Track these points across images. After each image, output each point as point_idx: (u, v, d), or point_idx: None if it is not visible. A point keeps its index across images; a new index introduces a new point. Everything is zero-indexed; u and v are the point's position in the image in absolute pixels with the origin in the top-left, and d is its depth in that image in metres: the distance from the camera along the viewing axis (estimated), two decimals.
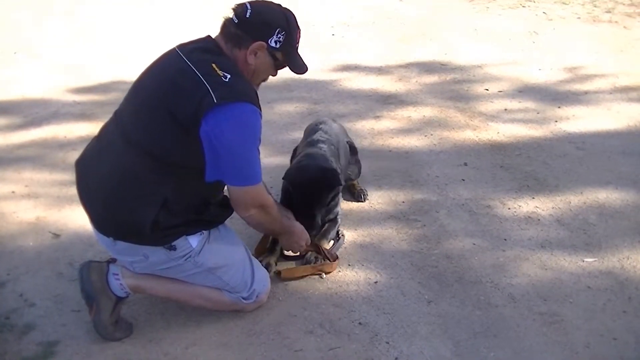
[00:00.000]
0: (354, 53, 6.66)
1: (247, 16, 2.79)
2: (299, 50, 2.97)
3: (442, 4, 8.19)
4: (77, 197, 3.02)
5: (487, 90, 5.77)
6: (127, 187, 2.81)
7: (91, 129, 4.71)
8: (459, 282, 3.41)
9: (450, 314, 3.20)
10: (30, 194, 4.21)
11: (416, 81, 5.96)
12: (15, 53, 6.77)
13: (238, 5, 2.83)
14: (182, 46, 2.89)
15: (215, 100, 2.64)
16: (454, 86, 5.85)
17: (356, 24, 7.53)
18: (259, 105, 2.80)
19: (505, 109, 5.40)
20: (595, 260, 3.55)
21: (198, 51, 2.83)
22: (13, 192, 4.23)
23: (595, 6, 7.87)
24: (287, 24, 2.85)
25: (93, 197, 2.94)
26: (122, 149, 2.84)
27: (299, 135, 4.66)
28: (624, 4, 7.93)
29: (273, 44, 2.83)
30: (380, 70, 6.22)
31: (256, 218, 2.98)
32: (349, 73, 6.18)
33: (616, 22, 7.41)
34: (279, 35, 2.82)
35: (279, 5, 2.91)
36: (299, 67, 2.97)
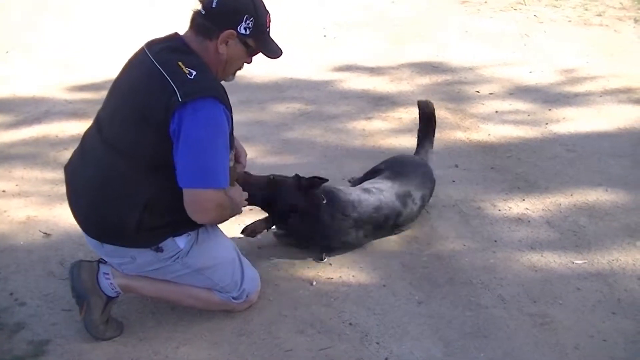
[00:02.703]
0: (345, 54, 6.66)
1: (214, 6, 2.76)
2: (271, 35, 2.95)
3: (434, 5, 8.20)
4: None
5: (479, 92, 5.78)
6: (109, 189, 2.81)
7: (83, 128, 4.66)
8: (449, 283, 3.42)
9: (441, 314, 3.21)
10: (21, 193, 4.20)
11: (408, 82, 5.96)
12: (7, 52, 6.75)
13: None
14: (150, 45, 2.88)
15: (180, 99, 2.63)
16: (446, 88, 5.86)
17: (348, 24, 7.53)
18: (225, 100, 2.78)
19: (496, 111, 5.41)
20: (585, 262, 3.57)
21: (165, 51, 2.82)
22: (4, 191, 4.22)
23: (586, 9, 7.90)
24: (255, 10, 2.82)
25: (79, 201, 2.96)
26: (103, 153, 2.85)
27: (290, 135, 4.69)
28: (614, 8, 7.96)
29: (243, 31, 2.80)
30: (372, 71, 6.23)
31: (216, 219, 2.95)
32: (340, 74, 6.18)
33: (607, 25, 7.44)
34: (248, 21, 2.79)
35: None
36: (273, 51, 2.95)
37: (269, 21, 2.91)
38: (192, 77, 2.69)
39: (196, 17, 2.82)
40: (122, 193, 2.80)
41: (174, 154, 2.70)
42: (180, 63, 2.72)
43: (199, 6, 2.81)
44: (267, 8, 2.90)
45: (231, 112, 2.82)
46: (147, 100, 2.72)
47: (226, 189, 2.83)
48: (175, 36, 2.90)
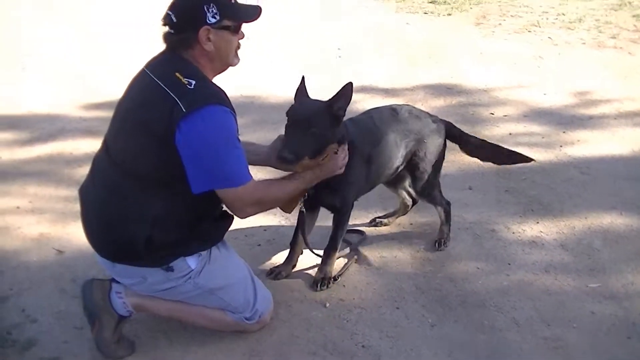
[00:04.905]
0: (360, 75, 6.65)
1: (175, 20, 2.79)
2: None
3: (448, 27, 8.21)
4: None
5: (493, 114, 5.77)
6: (116, 208, 2.84)
7: (97, 145, 4.69)
8: (462, 306, 3.40)
9: (454, 337, 3.19)
10: (35, 209, 4.22)
11: (422, 104, 5.95)
12: (23, 69, 6.80)
13: (163, 18, 2.83)
14: (148, 64, 2.92)
15: (184, 109, 2.65)
16: (460, 109, 5.86)
17: (363, 46, 7.54)
18: (228, 103, 2.81)
19: (510, 133, 5.40)
20: (599, 286, 3.55)
21: (160, 64, 2.86)
22: (18, 207, 4.24)
23: (600, 32, 7.89)
24: None
25: (90, 222, 2.98)
26: (110, 172, 2.89)
27: None
28: (628, 30, 7.94)
29: (213, 20, 2.79)
30: (386, 93, 6.23)
31: (256, 212, 3.00)
32: (355, 95, 6.07)
33: (621, 47, 7.43)
34: (211, 9, 2.78)
35: None
36: (250, 15, 2.93)
37: None
38: (192, 87, 2.72)
39: (168, 37, 2.86)
40: (130, 211, 2.81)
41: (185, 163, 2.71)
42: (177, 74, 2.74)
43: (164, 28, 2.84)
44: None
45: (235, 113, 2.84)
46: (148, 113, 2.74)
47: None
48: (167, 50, 2.91)
